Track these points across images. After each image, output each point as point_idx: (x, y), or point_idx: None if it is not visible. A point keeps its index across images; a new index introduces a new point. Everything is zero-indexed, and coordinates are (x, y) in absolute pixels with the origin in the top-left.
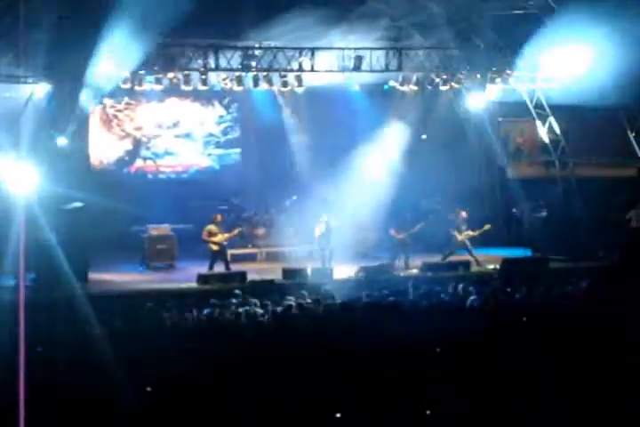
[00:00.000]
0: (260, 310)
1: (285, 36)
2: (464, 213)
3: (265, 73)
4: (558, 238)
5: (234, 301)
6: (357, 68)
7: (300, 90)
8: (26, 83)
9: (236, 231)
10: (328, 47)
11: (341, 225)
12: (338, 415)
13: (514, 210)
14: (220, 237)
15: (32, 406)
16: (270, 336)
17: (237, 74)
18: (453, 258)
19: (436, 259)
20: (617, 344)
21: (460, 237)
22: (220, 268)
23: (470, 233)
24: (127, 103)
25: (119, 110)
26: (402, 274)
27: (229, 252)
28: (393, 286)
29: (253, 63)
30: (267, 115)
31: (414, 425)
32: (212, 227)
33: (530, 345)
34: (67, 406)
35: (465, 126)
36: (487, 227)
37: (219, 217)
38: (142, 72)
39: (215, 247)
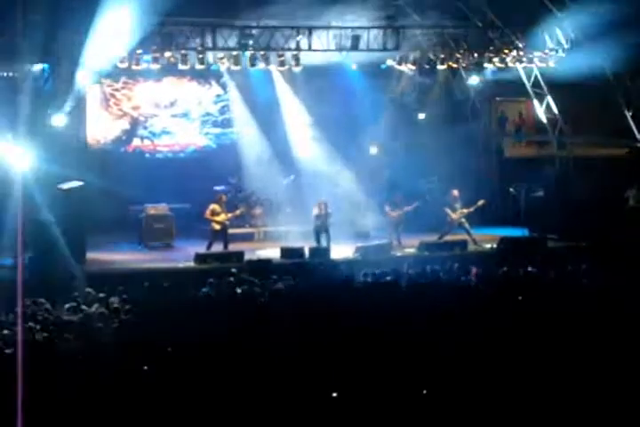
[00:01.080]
0: (257, 289)
1: (283, 15)
2: (455, 192)
3: (262, 52)
4: (555, 218)
5: (231, 279)
6: (355, 47)
7: (297, 69)
8: (23, 62)
9: (238, 211)
10: (325, 26)
11: (338, 207)
12: (334, 395)
13: (511, 189)
14: (222, 217)
15: (30, 387)
16: (267, 315)
17: (235, 53)
18: (450, 237)
19: (433, 238)
20: (614, 324)
21: (454, 216)
22: (218, 247)
23: (464, 211)
24: (124, 82)
25: (116, 89)
26: (399, 253)
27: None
28: (390, 265)
29: (251, 42)
30: (264, 94)
31: (411, 405)
32: (215, 206)
33: (525, 324)
34: (64, 385)
35: (462, 106)
36: (481, 203)
37: (223, 197)
38: (139, 51)
39: (217, 227)
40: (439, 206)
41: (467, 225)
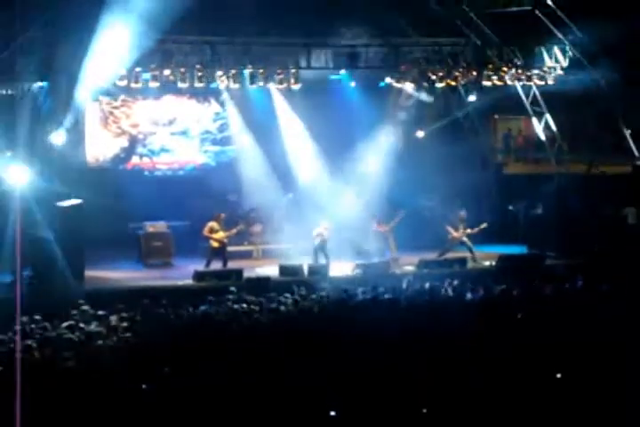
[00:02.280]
0: (255, 308)
1: (281, 33)
2: (462, 213)
3: (261, 70)
4: (554, 235)
5: (230, 297)
6: (353, 64)
7: (296, 87)
8: (22, 80)
9: (237, 229)
10: (324, 44)
11: (338, 224)
12: (332, 414)
13: (510, 207)
14: (221, 234)
15: (28, 405)
16: (265, 333)
17: (234, 71)
18: (449, 255)
19: (433, 256)
20: (614, 339)
21: (455, 235)
22: (217, 265)
23: (468, 231)
24: (123, 100)
25: (115, 107)
26: (397, 271)
27: None
28: (389, 282)
29: (250, 60)
30: (263, 112)
31: (410, 424)
32: (213, 224)
33: (524, 342)
34: (62, 404)
35: (461, 123)
36: (483, 226)
37: (221, 215)
38: (139, 69)
39: (215, 244)
40: (438, 224)
41: (469, 243)
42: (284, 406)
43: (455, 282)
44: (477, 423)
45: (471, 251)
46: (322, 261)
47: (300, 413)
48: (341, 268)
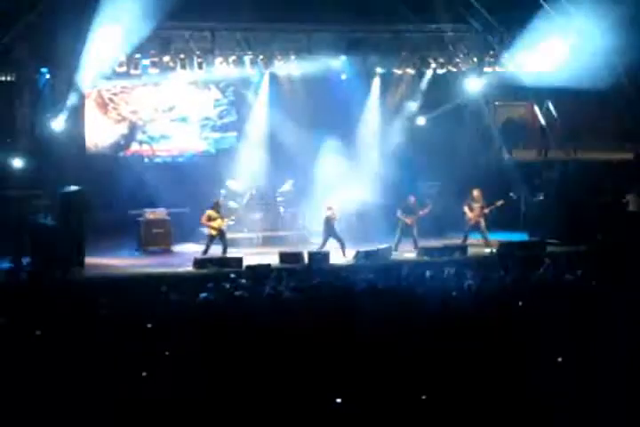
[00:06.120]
0: (255, 294)
1: (282, 20)
2: (475, 192)
3: (261, 56)
4: (555, 222)
5: (228, 286)
6: (354, 50)
7: (296, 72)
8: (22, 66)
9: (234, 216)
10: (325, 29)
11: (341, 211)
12: (338, 401)
13: (511, 194)
14: (219, 222)
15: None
16: (266, 320)
17: (234, 57)
18: (450, 242)
19: (434, 243)
20: (613, 328)
21: (470, 215)
22: (217, 252)
23: (485, 211)
24: (123, 87)
25: (115, 94)
26: (399, 258)
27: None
28: (390, 270)
29: (250, 46)
30: (263, 98)
31: (410, 410)
32: (211, 212)
33: (526, 329)
34: (65, 399)
35: (462, 110)
36: (500, 203)
37: (220, 202)
38: (138, 56)
39: (214, 232)
40: (440, 211)
41: (484, 227)
42: (288, 394)
43: (453, 269)
44: (477, 410)
45: (466, 236)
46: (331, 244)
47: (304, 400)
48: (343, 255)
